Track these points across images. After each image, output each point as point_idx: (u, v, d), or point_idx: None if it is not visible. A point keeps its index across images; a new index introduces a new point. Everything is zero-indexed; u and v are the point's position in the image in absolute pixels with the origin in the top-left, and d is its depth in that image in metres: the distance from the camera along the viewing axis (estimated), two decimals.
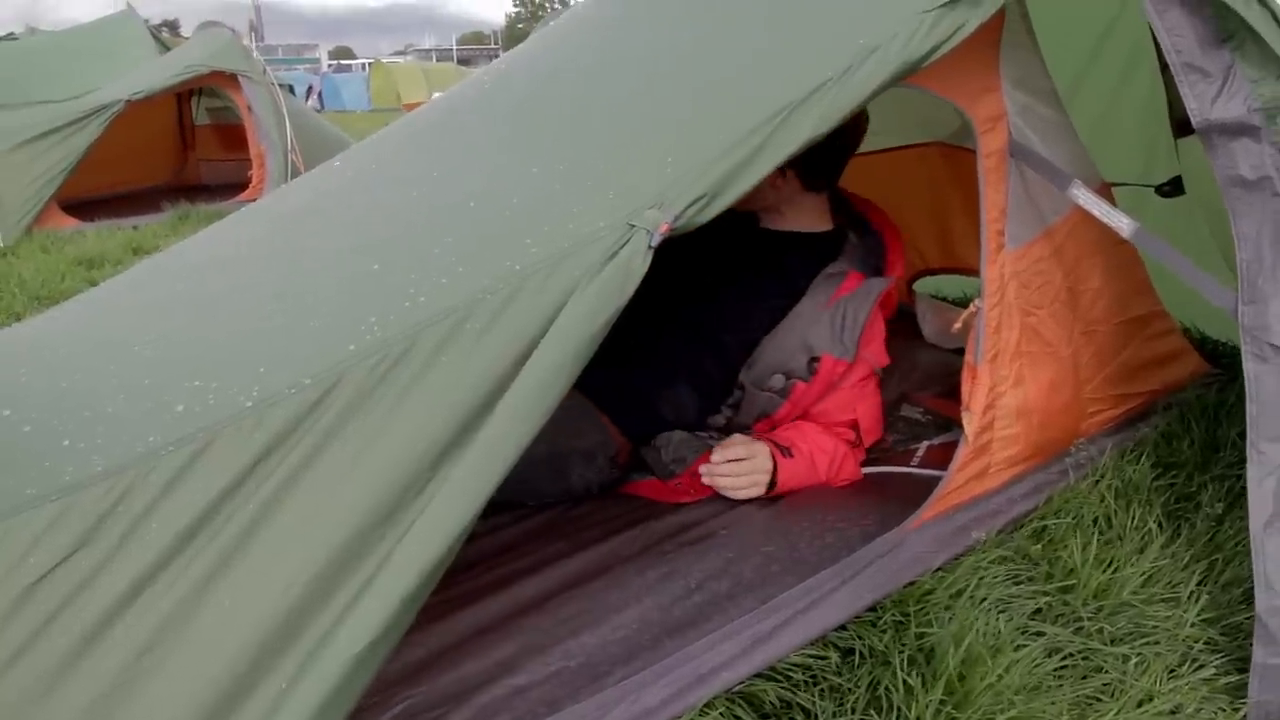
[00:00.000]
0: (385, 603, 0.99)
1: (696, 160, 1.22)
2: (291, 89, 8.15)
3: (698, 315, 2.08)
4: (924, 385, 2.65)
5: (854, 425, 2.08)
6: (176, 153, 8.34)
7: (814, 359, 2.00)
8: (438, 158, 1.59)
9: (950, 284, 3.24)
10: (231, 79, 6.37)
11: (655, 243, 1.15)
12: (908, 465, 2.22)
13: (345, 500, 1.04)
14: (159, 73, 6.34)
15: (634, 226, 1.16)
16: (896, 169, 2.89)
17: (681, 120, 1.39)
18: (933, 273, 3.15)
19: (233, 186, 6.92)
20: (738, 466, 1.90)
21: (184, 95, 7.98)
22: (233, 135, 7.39)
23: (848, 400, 2.06)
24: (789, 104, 1.26)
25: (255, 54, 6.64)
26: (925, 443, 2.32)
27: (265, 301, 1.31)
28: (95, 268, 5.09)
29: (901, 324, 3.08)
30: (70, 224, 6.06)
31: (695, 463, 1.99)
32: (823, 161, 2.08)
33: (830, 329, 2.01)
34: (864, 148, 2.92)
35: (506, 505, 1.94)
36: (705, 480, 1.91)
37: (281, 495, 1.03)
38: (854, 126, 2.10)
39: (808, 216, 2.17)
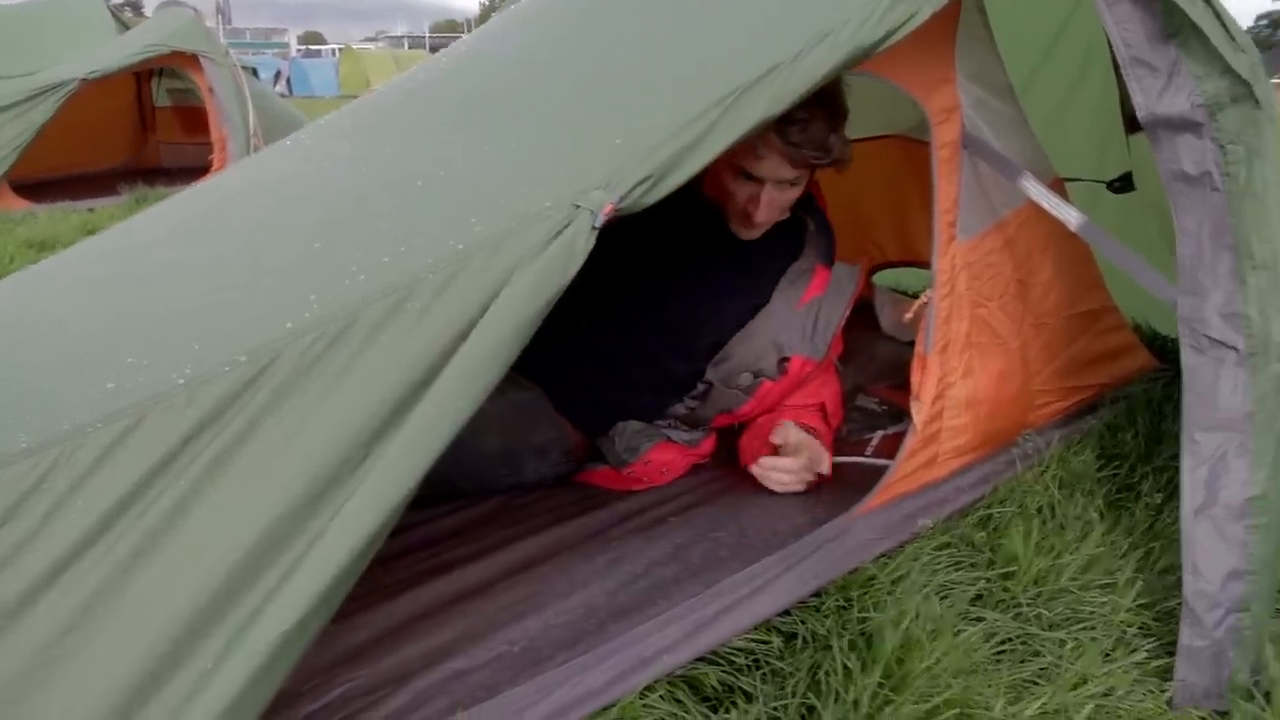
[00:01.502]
0: (315, 581, 0.98)
1: (644, 141, 1.22)
2: (255, 72, 8.01)
3: (664, 316, 2.05)
4: (880, 376, 2.67)
5: (821, 408, 2.10)
6: (135, 134, 8.19)
7: (784, 359, 1.99)
8: (388, 138, 1.58)
9: (910, 276, 3.27)
10: (192, 60, 6.27)
11: (599, 223, 1.14)
12: (861, 455, 2.24)
13: (278, 478, 1.03)
14: (117, 51, 6.22)
15: (579, 207, 1.16)
16: (856, 161, 2.89)
17: (632, 102, 1.39)
18: (891, 265, 3.18)
19: (193, 170, 6.80)
20: (792, 463, 1.89)
21: (144, 76, 7.84)
22: (194, 118, 7.27)
23: (813, 389, 2.08)
24: (739, 87, 1.26)
25: (220, 36, 6.54)
26: (880, 432, 2.35)
27: (203, 279, 1.29)
28: (46, 250, 4.98)
29: (859, 316, 3.09)
30: (22, 205, 5.94)
31: (647, 451, 1.99)
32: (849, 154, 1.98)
33: (803, 331, 1.99)
34: None
35: (459, 494, 1.94)
36: (757, 474, 1.90)
37: (213, 473, 1.02)
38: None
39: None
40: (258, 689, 0.96)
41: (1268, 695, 1.43)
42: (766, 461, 1.91)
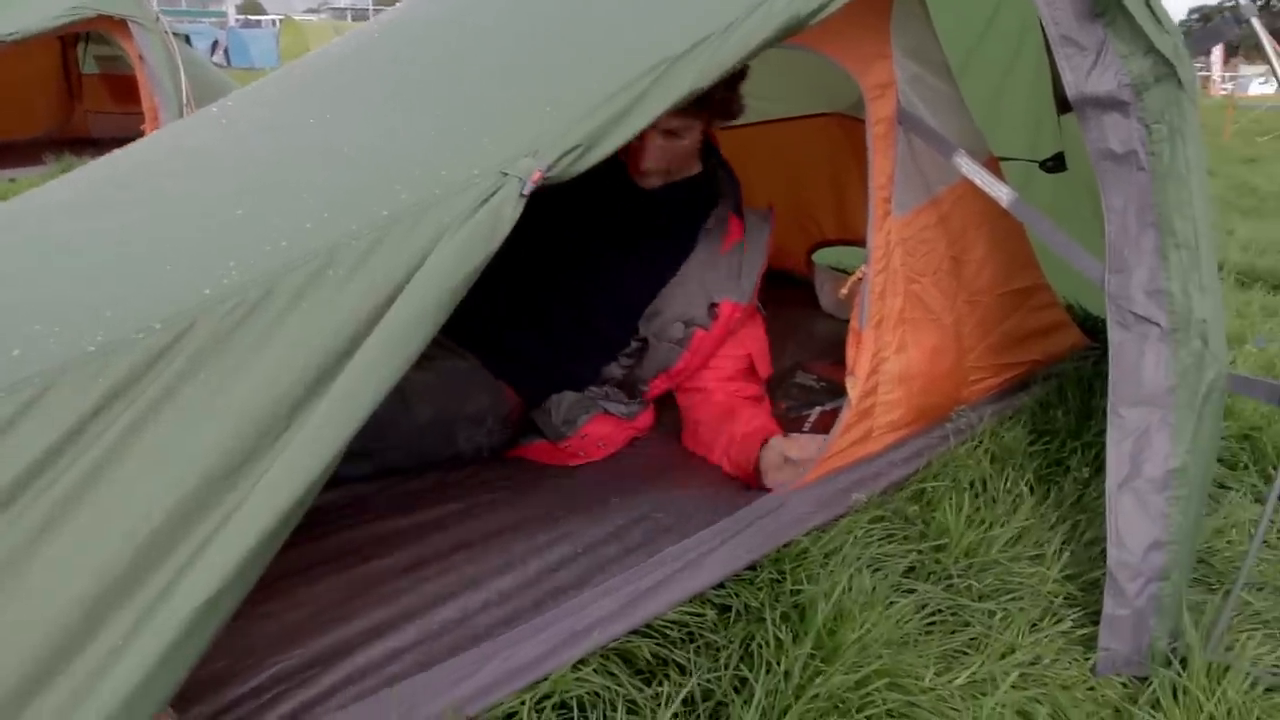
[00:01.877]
0: (231, 555, 0.95)
1: (573, 110, 1.20)
2: (188, 39, 7.76)
3: (595, 277, 2.06)
4: (820, 354, 2.69)
5: (749, 363, 2.10)
6: (61, 102, 7.89)
7: (714, 305, 2.01)
8: (314, 105, 1.53)
9: (851, 255, 3.28)
10: (120, 25, 6.03)
11: (527, 191, 1.12)
12: (799, 431, 2.25)
13: (194, 449, 0.99)
14: (37, 13, 5.93)
15: (506, 174, 1.14)
16: (796, 139, 2.91)
17: (562, 70, 1.36)
18: (830, 244, 3.19)
19: (124, 141, 6.50)
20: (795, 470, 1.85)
21: (69, 41, 7.55)
22: (124, 86, 7.01)
23: (741, 338, 2.09)
24: (670, 56, 1.25)
25: (153, 2, 6.31)
26: (818, 409, 2.36)
27: (116, 245, 1.24)
28: None
29: (799, 293, 3.13)
30: None
31: (584, 424, 1.98)
32: (727, 107, 2.02)
33: (728, 275, 2.02)
34: (764, 116, 2.95)
35: (396, 470, 1.91)
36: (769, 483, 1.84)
37: (125, 444, 0.98)
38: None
39: (689, 161, 2.14)
40: (170, 666, 0.93)
41: (1184, 661, 1.47)
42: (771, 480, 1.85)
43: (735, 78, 1.88)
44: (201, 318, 1.05)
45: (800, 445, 1.86)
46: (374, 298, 1.07)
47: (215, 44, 24.43)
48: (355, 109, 1.50)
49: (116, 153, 1.69)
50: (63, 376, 1.00)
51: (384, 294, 1.08)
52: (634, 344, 2.07)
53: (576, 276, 2.06)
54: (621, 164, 2.05)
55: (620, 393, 2.08)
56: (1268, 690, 1.45)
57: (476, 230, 1.10)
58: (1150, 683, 1.47)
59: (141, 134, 6.28)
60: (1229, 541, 1.85)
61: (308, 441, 1.01)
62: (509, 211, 1.12)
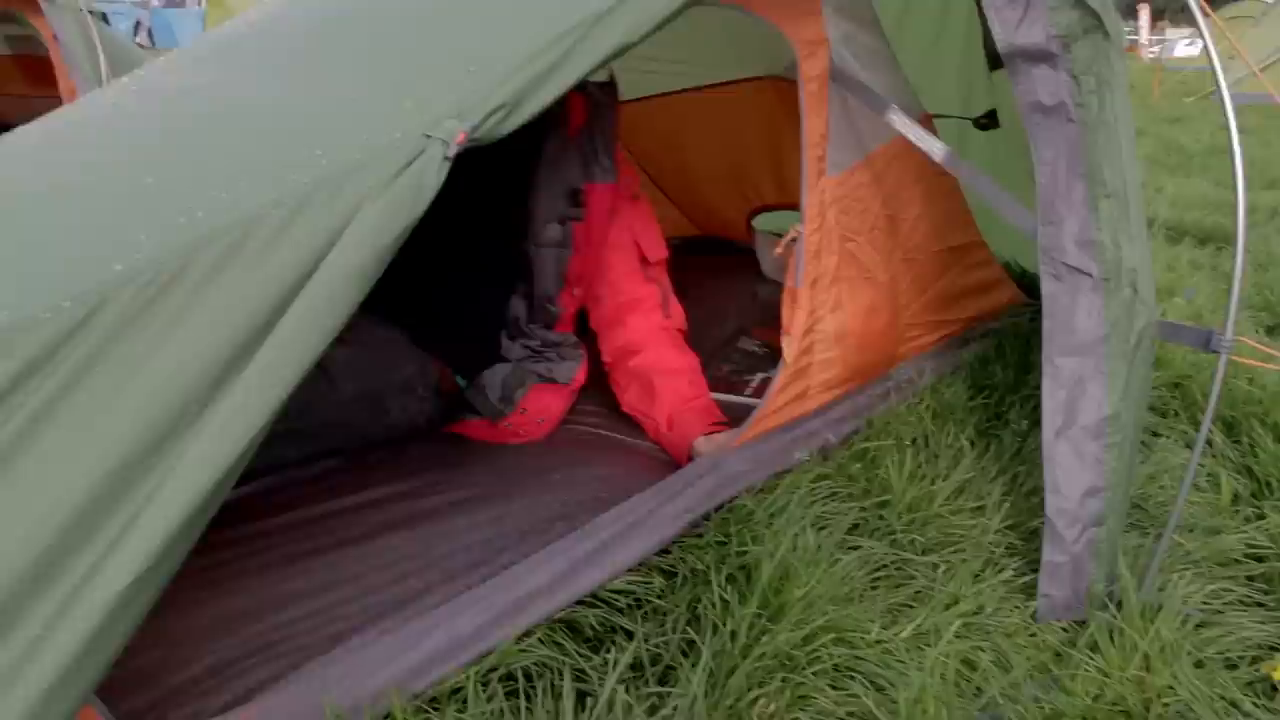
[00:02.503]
0: (155, 535, 0.92)
1: (498, 70, 1.17)
2: (105, 17, 7.48)
3: (479, 210, 1.98)
4: (763, 319, 2.69)
5: (640, 252, 2.05)
6: None
7: (577, 192, 1.95)
8: (229, 68, 1.48)
9: (792, 219, 3.28)
10: (31, 3, 5.76)
11: (451, 154, 1.10)
12: (741, 395, 2.26)
13: (109, 431, 0.96)
14: None
15: (430, 137, 1.10)
16: (732, 104, 2.89)
17: (486, 30, 1.33)
18: (770, 208, 3.19)
19: None
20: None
21: None
22: (38, 69, 6.71)
23: (625, 223, 2.04)
24: (595, 14, 1.22)
25: None
26: (760, 374, 2.37)
27: (21, 221, 1.18)
28: None
29: (742, 260, 3.13)
30: None
31: (523, 399, 1.96)
32: None
33: (582, 158, 1.96)
34: (700, 81, 2.93)
35: (333, 451, 1.87)
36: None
37: (35, 428, 0.94)
38: None
39: None
40: (95, 653, 0.90)
41: (1120, 604, 1.51)
42: None
43: None
44: (114, 294, 1.01)
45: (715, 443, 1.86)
46: (295, 269, 1.04)
47: (138, 24, 23.62)
48: (271, 72, 1.45)
49: (15, 130, 1.62)
50: None
51: (305, 264, 1.04)
52: (521, 306, 2.02)
53: (460, 221, 1.96)
54: None
55: (548, 353, 2.04)
56: (1198, 626, 1.48)
57: (400, 196, 1.07)
58: (1088, 626, 1.50)
59: None
60: (1161, 487, 1.89)
61: (230, 417, 0.97)
62: (433, 175, 1.09)
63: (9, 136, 1.55)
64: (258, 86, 1.39)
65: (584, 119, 1.97)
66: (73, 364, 0.97)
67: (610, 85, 2.02)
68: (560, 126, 1.98)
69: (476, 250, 1.99)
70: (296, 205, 1.07)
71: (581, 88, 1.96)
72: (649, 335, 2.01)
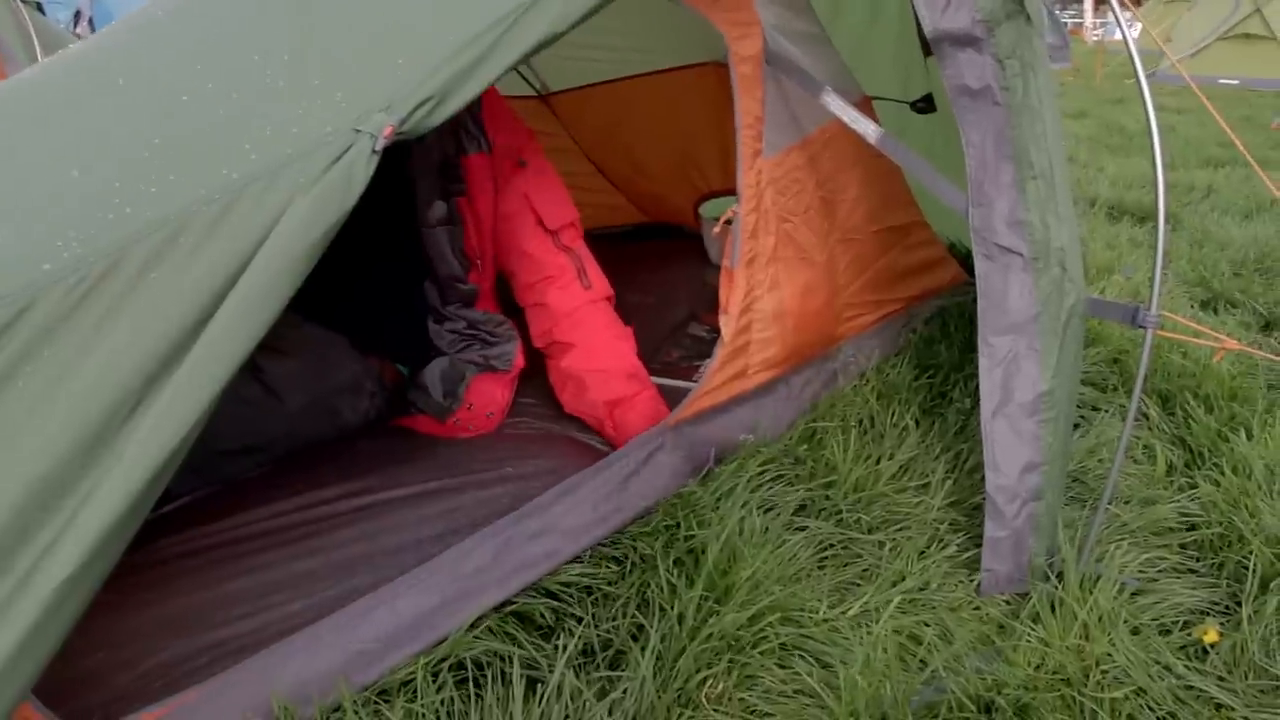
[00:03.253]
0: (88, 533, 0.91)
1: (426, 62, 1.17)
2: (40, 7, 7.29)
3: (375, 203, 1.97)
4: (712, 306, 2.69)
5: (539, 223, 1.99)
6: None
7: (453, 166, 1.91)
8: (153, 57, 1.44)
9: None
10: None
11: (380, 147, 1.09)
12: (690, 380, 2.27)
13: (41, 431, 0.95)
14: None
15: (359, 131, 1.10)
16: (676, 90, 2.89)
17: (414, 22, 1.32)
18: (718, 194, 3.20)
19: None
20: None
21: None
22: None
23: (515, 190, 1.98)
24: (520, 6, 1.22)
25: None
26: (708, 360, 2.38)
27: None
28: None
29: (689, 245, 3.14)
30: None
31: (466, 392, 1.95)
32: None
33: (452, 131, 1.91)
34: (643, 68, 2.93)
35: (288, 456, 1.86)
36: None
37: None
38: None
39: None
40: (31, 648, 0.89)
41: (1060, 575, 1.54)
42: None
43: None
44: (43, 294, 1.00)
45: None
46: (228, 264, 1.03)
47: (78, 15, 23.05)
48: (195, 57, 1.41)
49: None
50: None
51: (238, 260, 1.04)
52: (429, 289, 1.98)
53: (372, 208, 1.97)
54: None
55: (480, 334, 2.01)
56: (1134, 594, 1.53)
57: (329, 190, 1.07)
58: (1030, 598, 1.54)
59: None
60: (1100, 460, 1.94)
61: (164, 415, 0.97)
62: (361, 169, 1.09)
63: None
64: (184, 74, 1.36)
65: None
66: (2, 365, 0.96)
67: None
68: None
69: (394, 240, 1.95)
70: (228, 201, 1.06)
71: None
72: (574, 316, 1.97)
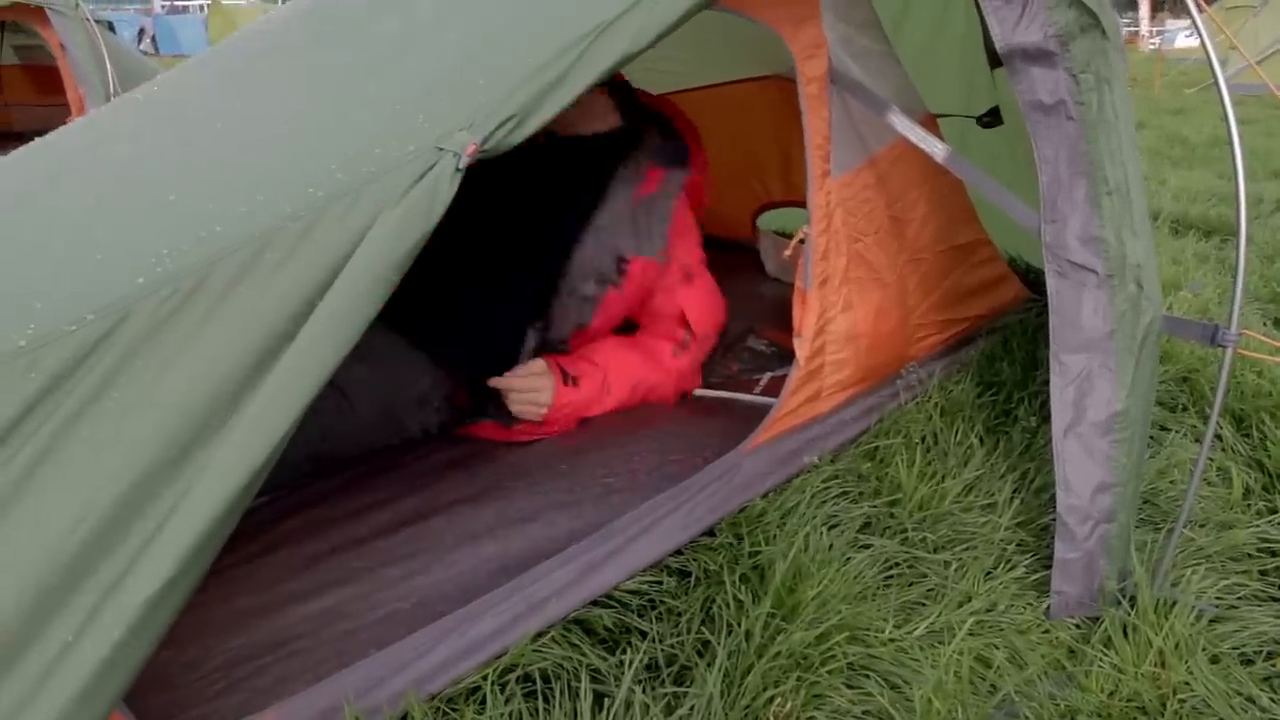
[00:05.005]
0: (179, 542, 0.94)
1: (506, 81, 1.18)
2: (111, 26, 7.52)
3: (513, 236, 2.02)
4: (769, 318, 2.71)
5: (684, 322, 2.08)
6: None
7: (623, 260, 1.97)
8: (240, 86, 1.50)
9: (795, 217, 3.30)
10: (38, 13, 5.82)
11: (463, 165, 1.11)
12: (751, 393, 2.27)
13: (134, 440, 0.97)
14: None
15: (442, 150, 1.12)
16: (739, 102, 2.91)
17: (493, 43, 1.34)
18: (777, 205, 3.20)
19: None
20: (519, 382, 1.91)
21: None
22: (46, 77, 6.79)
23: (666, 298, 2.06)
24: (600, 23, 1.23)
25: None
26: (768, 373, 2.38)
27: (45, 236, 1.20)
28: None
29: (744, 258, 3.14)
30: None
31: None
32: None
33: (635, 229, 1.98)
34: (706, 80, 2.94)
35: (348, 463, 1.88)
36: (491, 384, 1.91)
37: (61, 439, 0.96)
38: None
39: (593, 117, 2.09)
40: (125, 657, 0.91)
41: (1133, 600, 1.52)
42: (496, 380, 1.92)
43: None
44: (136, 307, 1.03)
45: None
46: (312, 279, 1.05)
47: (141, 31, 23.73)
48: (283, 89, 1.47)
49: (35, 142, 1.64)
50: None
51: (323, 275, 1.06)
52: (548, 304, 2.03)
53: (498, 238, 2.02)
54: None
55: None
56: (1212, 622, 1.49)
57: (414, 207, 1.08)
58: (1101, 622, 1.51)
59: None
60: (1171, 481, 1.90)
61: (252, 427, 0.99)
62: (445, 188, 1.11)
63: (23, 153, 1.57)
64: (269, 103, 1.41)
65: (654, 190, 1.99)
66: (98, 376, 0.99)
67: (686, 166, 2.01)
68: (628, 188, 1.99)
69: (502, 275, 2.00)
70: (313, 218, 1.09)
71: (667, 164, 2.03)
72: (639, 369, 2.05)
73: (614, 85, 2.10)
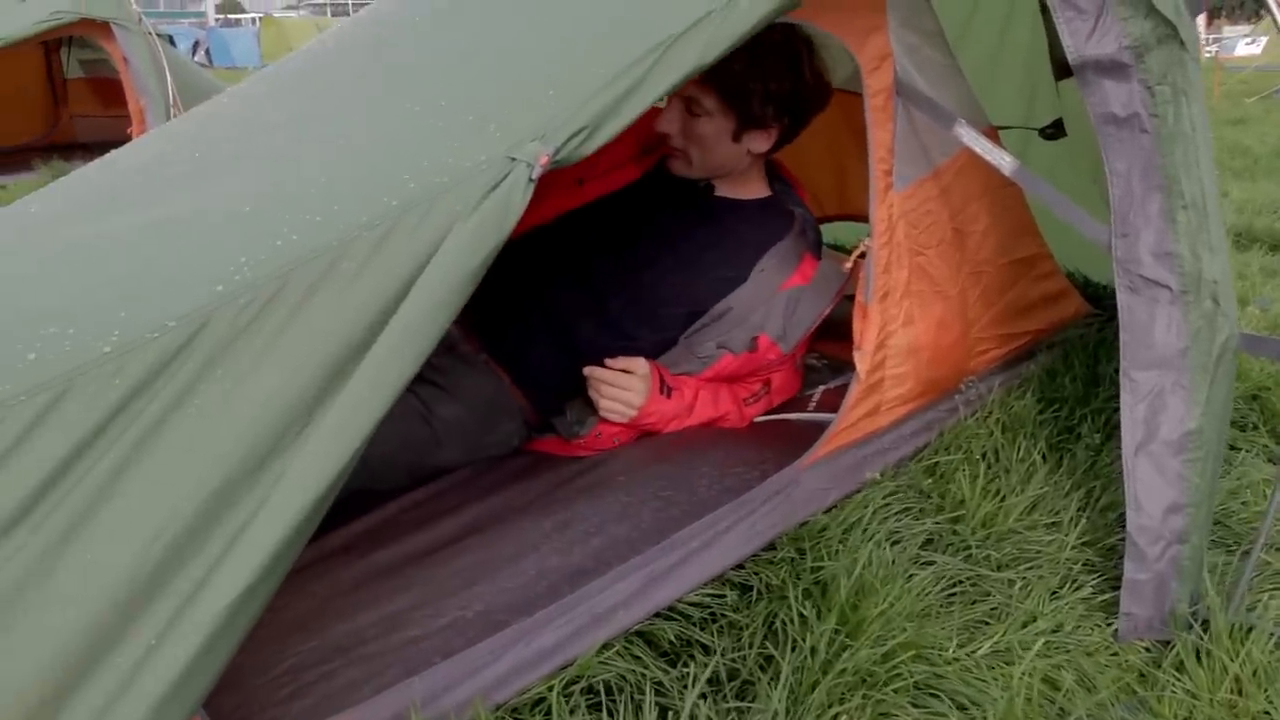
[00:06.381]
0: (259, 549, 0.95)
1: (578, 91, 1.19)
2: (171, 39, 7.70)
3: (636, 283, 1.98)
4: (820, 332, 2.68)
5: (766, 382, 2.09)
6: (47, 108, 7.84)
7: (754, 339, 1.96)
8: (311, 98, 1.52)
9: (847, 230, 3.28)
10: (104, 28, 5.97)
11: (536, 175, 1.12)
12: (804, 410, 2.25)
13: (215, 447, 0.99)
14: (20, 19, 5.89)
15: (514, 160, 1.13)
16: None
17: (563, 53, 1.35)
18: (831, 219, 3.18)
19: (112, 144, 6.43)
20: (616, 378, 1.87)
21: (52, 46, 7.50)
22: (109, 89, 6.96)
23: (765, 373, 2.06)
24: (671, 35, 1.24)
25: (133, 3, 6.24)
26: (821, 387, 2.36)
27: (127, 246, 1.23)
28: None
29: None
30: None
31: (598, 423, 1.97)
32: (805, 125, 2.00)
33: (781, 317, 1.95)
34: None
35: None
36: (586, 371, 1.87)
37: (146, 444, 0.98)
38: (820, 87, 1.99)
39: (752, 182, 2.08)
40: (206, 661, 0.93)
41: (1206, 624, 1.48)
42: (591, 369, 1.87)
43: (764, 69, 1.85)
44: (216, 314, 1.04)
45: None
46: (389, 288, 1.07)
47: (196, 44, 24.31)
48: (355, 100, 1.49)
49: (113, 154, 1.68)
50: (80, 378, 0.99)
51: (398, 284, 1.07)
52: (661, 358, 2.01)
53: (617, 281, 1.99)
54: (670, 177, 2.03)
55: None
56: None
57: (488, 217, 1.09)
58: (1173, 646, 1.47)
59: (128, 137, 6.26)
60: (1244, 503, 1.86)
61: (330, 434, 1.00)
62: (519, 198, 1.11)
63: (103, 164, 1.61)
64: (340, 115, 1.43)
65: (805, 283, 1.97)
66: (179, 383, 1.01)
67: (845, 270, 1.97)
68: (778, 272, 1.97)
69: (620, 318, 1.98)
70: (388, 227, 1.10)
71: (817, 253, 2.01)
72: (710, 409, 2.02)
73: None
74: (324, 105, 1.47)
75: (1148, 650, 1.52)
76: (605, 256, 2.01)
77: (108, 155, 1.70)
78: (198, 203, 1.28)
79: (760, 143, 1.96)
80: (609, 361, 1.87)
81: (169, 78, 6.04)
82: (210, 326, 1.04)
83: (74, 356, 1.01)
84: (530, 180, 1.12)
